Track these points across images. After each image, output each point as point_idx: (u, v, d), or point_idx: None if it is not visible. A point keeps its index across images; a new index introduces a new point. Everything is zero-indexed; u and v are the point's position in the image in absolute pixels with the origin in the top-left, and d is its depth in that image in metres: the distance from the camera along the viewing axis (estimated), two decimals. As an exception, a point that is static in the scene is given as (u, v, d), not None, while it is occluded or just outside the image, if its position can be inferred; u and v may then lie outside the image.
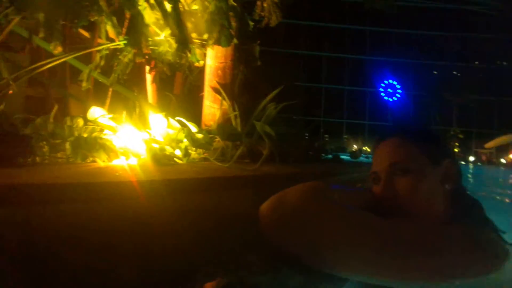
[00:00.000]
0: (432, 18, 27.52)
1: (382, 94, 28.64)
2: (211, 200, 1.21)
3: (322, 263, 0.75)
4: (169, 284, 0.67)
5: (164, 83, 3.51)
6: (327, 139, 26.29)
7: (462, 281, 0.74)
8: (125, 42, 2.39)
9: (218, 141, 2.20)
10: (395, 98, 28.62)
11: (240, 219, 0.93)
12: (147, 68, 3.04)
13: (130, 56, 2.53)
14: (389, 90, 28.61)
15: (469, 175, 13.25)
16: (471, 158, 24.76)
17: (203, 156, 2.22)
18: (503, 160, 23.11)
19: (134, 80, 3.32)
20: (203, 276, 0.70)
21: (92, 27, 3.16)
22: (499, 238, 0.92)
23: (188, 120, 2.42)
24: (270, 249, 0.81)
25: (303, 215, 0.79)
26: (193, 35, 2.83)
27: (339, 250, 0.74)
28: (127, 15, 2.43)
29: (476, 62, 28.05)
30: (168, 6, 2.42)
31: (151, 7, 2.40)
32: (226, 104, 2.63)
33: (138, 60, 2.55)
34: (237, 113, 2.42)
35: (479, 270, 0.76)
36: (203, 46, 2.81)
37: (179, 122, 2.31)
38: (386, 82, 28.58)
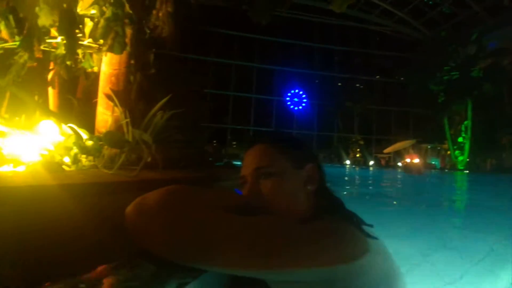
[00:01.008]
0: (339, 34, 29.60)
1: (289, 103, 29.74)
2: (88, 204, 1.26)
3: (181, 258, 0.82)
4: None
5: (68, 87, 3.38)
6: (235, 146, 26.75)
7: (319, 269, 0.83)
8: (17, 43, 2.30)
9: (106, 148, 2.20)
10: (300, 107, 29.82)
11: (112, 220, 0.99)
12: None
13: (25, 57, 2.44)
14: (295, 99, 29.85)
15: (370, 177, 14.40)
16: (371, 162, 26.75)
17: (93, 163, 2.21)
18: (399, 164, 25.50)
19: (37, 82, 3.16)
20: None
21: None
22: (359, 231, 0.99)
23: (86, 126, 2.38)
24: (136, 247, 0.87)
25: (162, 214, 0.85)
26: (90, 40, 2.79)
27: (196, 246, 0.81)
28: (21, 15, 2.34)
29: (378, 76, 30.62)
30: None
31: (50, 8, 2.33)
32: (118, 111, 2.62)
33: (29, 64, 2.46)
34: (128, 120, 2.42)
35: (334, 260, 0.84)
36: (100, 51, 2.78)
37: (71, 128, 2.27)
38: (292, 91, 29.76)
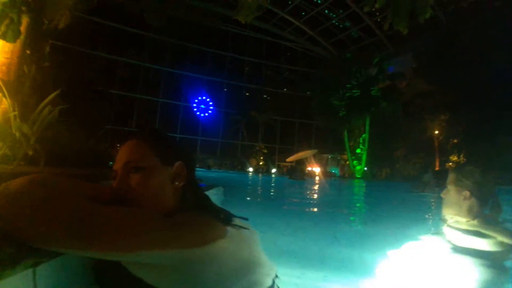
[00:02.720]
0: (252, 46, 30.28)
1: (195, 109, 29.71)
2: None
3: (41, 242, 0.87)
4: None
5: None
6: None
7: (173, 251, 0.93)
8: None
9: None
10: (207, 114, 29.94)
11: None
12: None
13: None
14: (202, 106, 29.85)
15: (272, 184, 14.70)
16: (273, 170, 27.64)
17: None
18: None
19: None
20: None
21: None
22: (220, 222, 1.12)
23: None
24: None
25: (23, 200, 0.89)
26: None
27: (56, 231, 0.86)
28: None
29: (285, 89, 31.81)
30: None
31: None
32: (6, 102, 2.48)
33: None
34: (16, 113, 2.31)
35: (187, 244, 0.95)
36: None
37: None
38: (200, 98, 29.73)
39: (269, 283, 1.17)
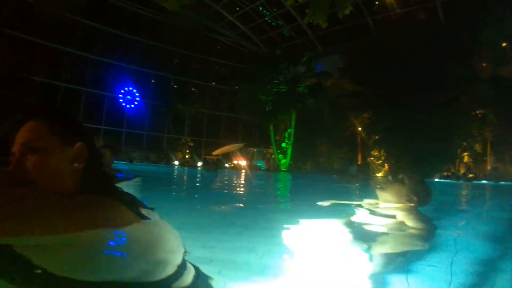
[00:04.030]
0: (182, 38, 29.79)
1: (121, 100, 28.90)
2: None
3: None
4: None
5: None
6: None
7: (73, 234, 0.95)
8: None
9: None
10: (133, 105, 29.22)
11: None
12: None
13: None
14: (128, 97, 29.09)
15: (198, 177, 14.94)
16: (199, 163, 27.63)
17: None
18: (227, 165, 26.99)
19: None
20: None
21: None
22: (123, 206, 1.13)
23: None
24: None
25: None
26: None
27: None
28: None
29: (214, 83, 31.92)
30: None
31: None
32: None
33: None
34: None
35: (85, 225, 0.97)
36: None
37: None
38: (126, 88, 28.99)
39: (178, 260, 1.19)
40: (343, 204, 4.67)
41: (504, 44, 22.22)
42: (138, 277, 1.02)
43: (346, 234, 2.99)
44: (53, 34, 24.87)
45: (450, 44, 20.87)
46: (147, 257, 1.08)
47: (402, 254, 2.49)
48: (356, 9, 25.68)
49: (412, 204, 3.37)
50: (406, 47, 21.31)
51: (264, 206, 5.93)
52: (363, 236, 2.87)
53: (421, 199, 3.41)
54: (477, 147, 23.14)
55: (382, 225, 3.22)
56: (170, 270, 1.13)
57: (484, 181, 20.27)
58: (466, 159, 23.65)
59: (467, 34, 21.27)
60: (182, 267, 1.19)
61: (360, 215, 3.67)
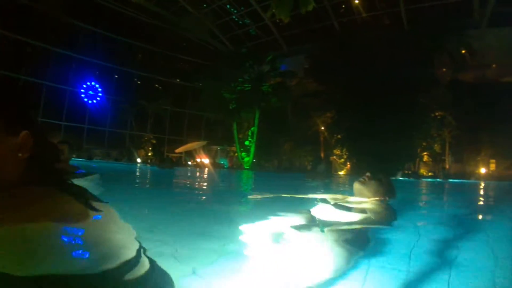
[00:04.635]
0: (147, 33, 29.52)
1: (83, 95, 28.39)
2: None
3: None
4: None
5: None
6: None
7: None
8: None
9: None
10: (95, 101, 28.76)
11: None
12: None
13: None
14: (90, 92, 28.62)
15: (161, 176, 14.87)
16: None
17: None
18: (190, 163, 27.58)
19: None
20: None
21: None
22: (72, 198, 1.10)
23: None
24: None
25: None
26: None
27: None
28: None
29: (178, 80, 31.75)
30: None
31: None
32: None
33: None
34: None
35: (24, 218, 0.92)
36: None
37: None
38: (88, 83, 28.50)
39: (129, 253, 1.12)
40: (312, 198, 4.96)
41: (463, 51, 23.68)
42: (83, 269, 0.94)
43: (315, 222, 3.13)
44: (12, 24, 24.15)
45: (412, 49, 21.48)
46: (95, 248, 1.02)
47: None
48: (323, 11, 26.25)
49: (383, 199, 4.01)
50: (370, 50, 21.90)
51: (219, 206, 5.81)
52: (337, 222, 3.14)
53: (391, 195, 4.14)
54: (436, 147, 24.35)
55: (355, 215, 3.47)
56: (119, 262, 1.06)
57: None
58: (425, 158, 24.77)
59: (429, 40, 22.35)
60: (134, 260, 1.12)
61: (330, 208, 3.90)
